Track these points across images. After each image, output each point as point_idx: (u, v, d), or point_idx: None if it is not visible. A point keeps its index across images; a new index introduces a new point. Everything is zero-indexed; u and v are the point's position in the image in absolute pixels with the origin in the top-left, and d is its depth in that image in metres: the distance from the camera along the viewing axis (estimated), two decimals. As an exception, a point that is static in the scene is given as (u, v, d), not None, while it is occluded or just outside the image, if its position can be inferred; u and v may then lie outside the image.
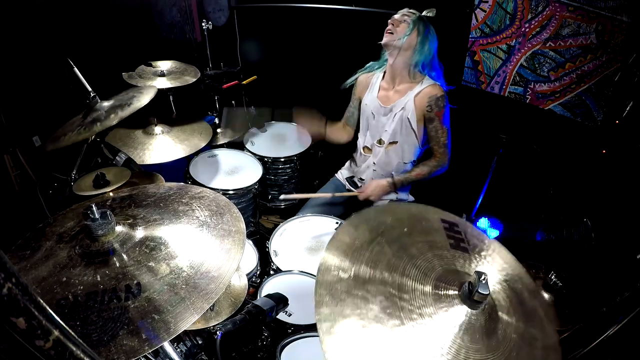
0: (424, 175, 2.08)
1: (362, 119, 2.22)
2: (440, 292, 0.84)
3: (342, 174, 2.39)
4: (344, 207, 2.27)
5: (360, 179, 2.28)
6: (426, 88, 1.99)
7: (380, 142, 2.15)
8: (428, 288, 0.84)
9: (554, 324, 0.91)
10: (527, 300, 0.93)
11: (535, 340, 0.85)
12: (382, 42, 2.00)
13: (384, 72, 2.13)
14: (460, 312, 0.81)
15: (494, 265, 0.99)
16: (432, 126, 2.01)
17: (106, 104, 1.66)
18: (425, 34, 1.96)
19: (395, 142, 2.09)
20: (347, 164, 2.40)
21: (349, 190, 2.32)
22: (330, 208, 2.22)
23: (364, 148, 2.25)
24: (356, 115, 2.27)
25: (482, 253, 1.00)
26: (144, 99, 1.64)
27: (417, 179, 2.09)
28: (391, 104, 2.06)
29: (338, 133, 2.34)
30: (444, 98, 1.97)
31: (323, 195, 2.15)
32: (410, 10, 2.00)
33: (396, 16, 2.00)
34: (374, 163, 2.19)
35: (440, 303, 0.82)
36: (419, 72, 2.01)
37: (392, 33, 1.97)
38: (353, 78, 2.24)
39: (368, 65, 2.21)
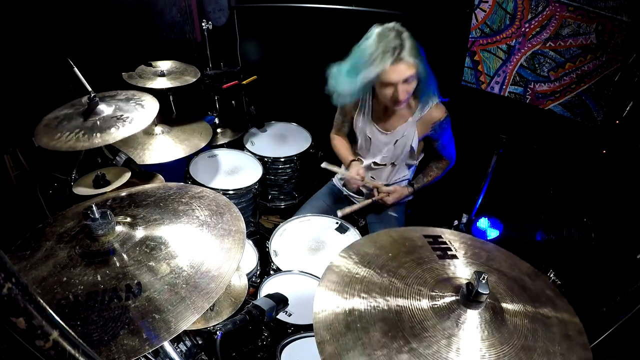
0: (437, 177, 2.12)
1: (357, 136, 2.10)
2: (437, 302, 0.85)
3: (337, 182, 2.33)
4: (348, 203, 2.27)
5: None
6: (428, 112, 1.85)
7: (377, 164, 2.07)
8: (425, 301, 0.86)
9: (564, 299, 0.93)
10: (529, 284, 0.95)
11: (549, 318, 0.86)
12: (395, 109, 1.78)
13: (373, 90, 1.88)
14: (463, 315, 0.81)
15: (486, 261, 1.00)
16: (438, 143, 2.01)
17: (106, 109, 1.65)
18: (421, 64, 1.67)
19: (393, 164, 2.06)
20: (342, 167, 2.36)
21: (350, 196, 2.28)
22: (330, 208, 2.22)
23: (359, 159, 2.14)
24: (348, 127, 2.16)
25: (472, 253, 1.02)
26: (145, 118, 1.63)
27: (431, 180, 2.13)
28: (391, 130, 1.93)
29: (348, 144, 2.20)
30: (447, 118, 1.89)
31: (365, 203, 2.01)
32: (408, 58, 1.61)
33: (400, 81, 1.63)
34: (372, 178, 2.14)
35: (441, 312, 0.83)
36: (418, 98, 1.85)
37: (402, 101, 1.70)
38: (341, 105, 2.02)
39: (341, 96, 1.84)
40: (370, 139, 2.00)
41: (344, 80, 1.78)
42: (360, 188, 2.18)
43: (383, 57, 1.60)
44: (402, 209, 2.23)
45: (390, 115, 1.92)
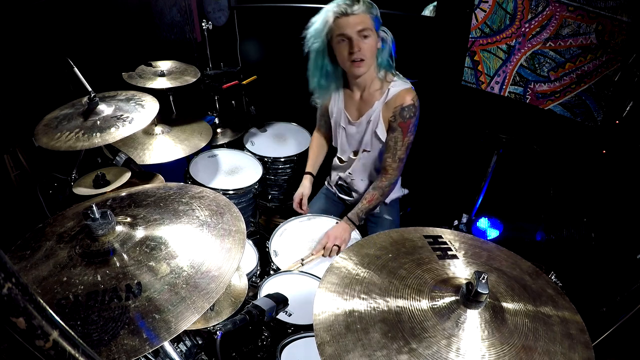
0: (378, 199, 1.89)
1: (333, 129, 2.08)
2: (437, 302, 0.85)
3: (329, 183, 2.32)
4: (344, 206, 2.27)
5: (345, 181, 2.20)
6: (393, 97, 1.75)
7: (354, 153, 2.03)
8: (425, 302, 0.86)
9: (566, 297, 0.93)
10: (530, 282, 0.95)
11: (550, 317, 0.86)
12: (357, 74, 1.72)
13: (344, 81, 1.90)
14: (463, 315, 0.81)
15: (487, 260, 1.00)
16: (393, 136, 1.79)
17: (107, 109, 1.65)
18: (378, 23, 1.65)
19: (368, 151, 1.97)
20: (331, 170, 2.31)
21: (338, 195, 2.25)
22: (330, 208, 2.22)
23: (338, 159, 2.16)
24: (326, 123, 2.15)
25: (472, 253, 1.02)
26: (144, 119, 1.63)
27: (372, 205, 1.90)
28: (359, 117, 1.88)
29: (322, 149, 2.24)
30: (411, 108, 1.72)
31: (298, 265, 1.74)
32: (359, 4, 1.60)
33: (354, 32, 1.60)
34: (349, 173, 2.10)
35: (441, 312, 0.83)
36: (389, 73, 1.78)
37: (363, 60, 1.65)
38: (319, 104, 2.06)
39: (317, 89, 1.93)
40: (344, 129, 1.97)
41: (314, 64, 1.82)
42: (344, 187, 2.21)
43: (335, 12, 1.62)
44: (396, 211, 2.19)
45: (360, 103, 1.86)
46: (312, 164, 2.21)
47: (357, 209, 1.89)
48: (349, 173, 2.09)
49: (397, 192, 2.19)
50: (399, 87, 1.75)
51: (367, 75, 1.77)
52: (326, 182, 2.35)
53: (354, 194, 2.19)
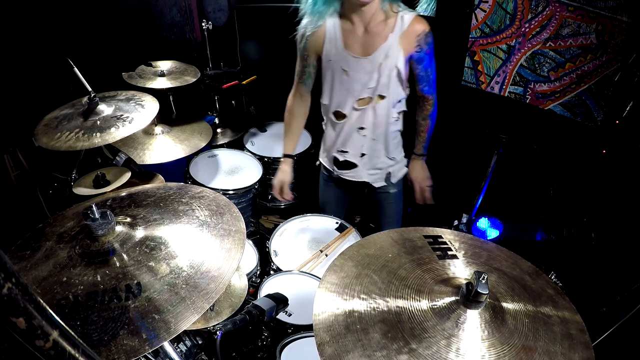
0: (430, 126, 1.90)
1: (327, 78, 1.78)
2: (437, 302, 0.85)
3: (324, 162, 2.06)
4: (344, 206, 2.26)
5: (343, 151, 1.90)
6: (410, 25, 1.62)
7: (364, 101, 1.74)
8: (425, 302, 0.86)
9: (566, 297, 0.93)
10: (530, 282, 0.95)
11: (550, 317, 0.86)
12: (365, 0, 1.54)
13: (339, 14, 1.67)
14: (463, 316, 0.81)
15: (487, 260, 1.00)
16: (422, 66, 1.71)
17: (107, 109, 1.65)
18: None
19: (383, 97, 1.72)
20: (323, 145, 2.03)
21: (341, 175, 1.98)
22: (332, 198, 2.20)
23: (335, 114, 1.83)
24: (312, 74, 1.84)
25: (472, 253, 1.02)
26: (144, 119, 1.63)
27: (429, 133, 1.92)
28: (371, 52, 1.65)
29: (300, 112, 1.97)
30: (430, 32, 1.66)
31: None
32: None
33: None
34: (361, 128, 1.80)
35: (441, 312, 0.83)
36: (394, 4, 1.63)
37: None
38: (304, 35, 1.73)
39: (310, 13, 1.66)
40: (347, 72, 1.70)
41: None
42: (342, 161, 1.93)
43: None
44: (400, 182, 2.07)
45: (366, 37, 1.65)
46: (292, 144, 2.03)
47: (420, 143, 1.95)
48: (361, 128, 1.79)
49: (404, 161, 2.02)
50: (410, 15, 1.64)
51: (373, 4, 1.59)
52: (319, 163, 2.12)
53: (352, 162, 1.91)
